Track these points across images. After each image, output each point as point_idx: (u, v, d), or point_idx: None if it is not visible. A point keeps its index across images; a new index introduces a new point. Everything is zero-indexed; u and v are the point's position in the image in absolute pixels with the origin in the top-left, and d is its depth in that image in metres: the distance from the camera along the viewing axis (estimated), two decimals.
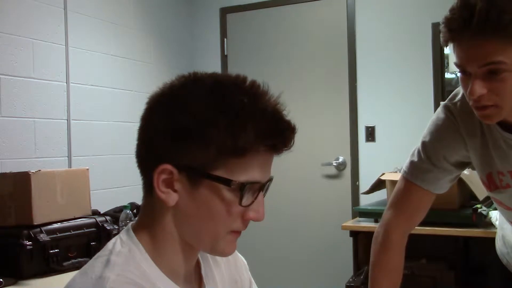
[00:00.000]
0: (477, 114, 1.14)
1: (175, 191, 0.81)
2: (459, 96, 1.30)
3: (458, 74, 1.15)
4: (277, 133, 0.80)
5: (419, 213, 1.41)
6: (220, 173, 0.79)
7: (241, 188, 0.79)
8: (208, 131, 0.77)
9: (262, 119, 0.78)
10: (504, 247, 1.54)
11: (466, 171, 2.31)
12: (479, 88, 1.07)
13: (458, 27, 1.05)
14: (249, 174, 0.80)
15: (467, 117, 1.26)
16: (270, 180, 0.85)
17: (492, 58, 1.04)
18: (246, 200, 0.81)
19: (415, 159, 1.37)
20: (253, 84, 0.82)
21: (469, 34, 1.04)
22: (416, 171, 1.36)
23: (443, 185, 1.38)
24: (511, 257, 1.51)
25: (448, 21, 1.07)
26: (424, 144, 1.36)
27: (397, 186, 1.42)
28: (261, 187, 0.83)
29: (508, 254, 1.51)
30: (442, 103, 1.35)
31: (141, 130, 0.84)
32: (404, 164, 1.41)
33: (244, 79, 0.82)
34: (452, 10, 1.07)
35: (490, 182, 1.32)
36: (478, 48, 1.04)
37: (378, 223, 1.46)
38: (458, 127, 1.30)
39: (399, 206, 1.40)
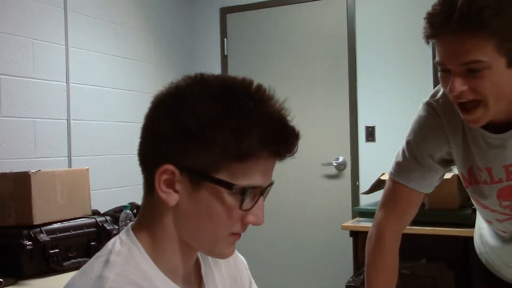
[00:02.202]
0: (463, 118, 1.15)
1: (176, 191, 0.81)
2: (441, 93, 1.30)
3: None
4: (281, 140, 0.80)
5: (409, 212, 1.42)
6: (222, 176, 0.79)
7: (242, 192, 0.79)
8: (212, 133, 0.77)
9: (267, 124, 0.78)
10: (482, 246, 1.55)
11: None
12: (459, 85, 1.08)
13: (440, 22, 1.05)
14: (251, 178, 0.80)
15: (449, 114, 1.27)
16: (271, 184, 0.85)
17: (472, 56, 1.04)
18: (246, 204, 0.81)
19: (400, 159, 1.38)
20: (259, 88, 0.82)
21: (449, 29, 1.04)
22: (402, 172, 1.37)
23: (429, 184, 1.38)
24: (489, 256, 1.52)
25: (430, 16, 1.08)
26: (408, 143, 1.36)
27: (386, 186, 1.44)
28: (262, 191, 0.83)
29: (487, 253, 1.53)
30: (423, 100, 1.36)
31: (145, 129, 0.84)
32: (390, 165, 1.42)
33: (251, 82, 0.82)
34: (434, 5, 1.08)
35: (471, 176, 1.33)
36: (458, 45, 1.05)
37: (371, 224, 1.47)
38: (441, 124, 1.30)
39: (389, 207, 1.42)
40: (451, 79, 1.09)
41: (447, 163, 1.38)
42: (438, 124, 1.31)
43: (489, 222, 1.44)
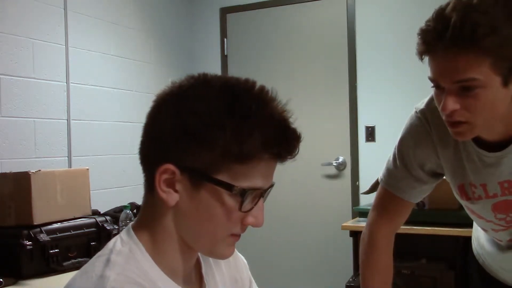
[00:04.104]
0: (450, 131, 1.13)
1: (176, 191, 0.80)
2: None
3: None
4: (283, 142, 0.80)
5: (401, 216, 1.42)
6: (222, 177, 0.78)
7: (242, 194, 0.79)
8: (214, 134, 0.77)
9: (268, 126, 0.78)
10: (479, 247, 1.55)
11: None
12: (452, 104, 1.05)
13: (432, 39, 1.03)
14: (252, 180, 0.80)
15: (441, 126, 1.23)
16: (271, 186, 0.85)
17: (465, 74, 1.01)
18: (246, 206, 0.81)
19: (391, 166, 1.38)
20: (262, 89, 0.81)
21: (442, 47, 1.01)
22: (391, 179, 1.37)
23: (418, 195, 1.38)
24: (486, 258, 1.52)
25: (423, 32, 1.05)
26: (400, 151, 1.35)
27: (378, 190, 1.44)
28: (262, 193, 0.83)
29: (483, 255, 1.53)
30: (418, 107, 1.33)
31: (147, 128, 0.84)
32: (382, 170, 1.41)
33: (253, 84, 0.82)
34: (427, 21, 1.05)
35: (462, 193, 1.32)
36: (451, 62, 1.02)
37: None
38: (431, 135, 1.28)
39: (380, 209, 1.42)
40: (444, 97, 1.06)
41: (437, 176, 1.36)
42: (428, 134, 1.29)
43: (485, 230, 1.44)
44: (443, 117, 1.11)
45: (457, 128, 1.10)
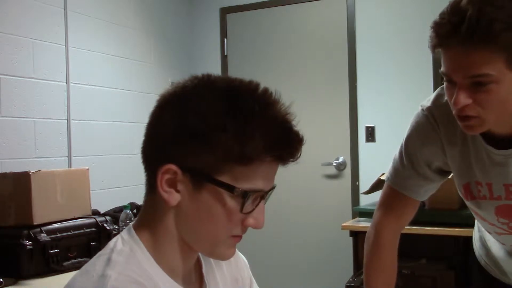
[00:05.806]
0: (460, 125, 1.12)
1: (177, 191, 0.80)
2: (445, 100, 1.24)
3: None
4: (285, 144, 0.79)
5: (407, 215, 1.42)
6: (224, 178, 0.78)
7: (244, 196, 0.79)
8: (216, 135, 0.77)
9: (271, 128, 0.78)
10: (482, 248, 1.54)
11: None
12: (464, 99, 1.04)
13: (447, 33, 1.01)
14: (253, 182, 0.80)
15: (449, 124, 1.23)
16: (273, 188, 0.85)
17: (479, 70, 1.00)
18: (247, 208, 0.81)
19: (398, 165, 1.37)
20: (265, 92, 0.81)
21: (457, 40, 1.00)
22: (398, 178, 1.37)
23: (425, 193, 1.38)
24: (489, 259, 1.51)
25: (437, 25, 1.03)
26: (406, 149, 1.34)
27: (383, 189, 1.43)
28: (263, 195, 0.83)
29: (486, 256, 1.52)
30: (424, 105, 1.31)
31: (150, 127, 0.84)
32: (388, 169, 1.41)
33: (257, 86, 0.82)
34: (442, 14, 1.03)
35: (467, 192, 1.31)
36: (465, 57, 1.01)
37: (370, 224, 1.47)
38: (438, 132, 1.28)
39: (387, 208, 1.41)
40: (456, 92, 1.05)
41: (444, 174, 1.36)
42: (435, 132, 1.28)
43: (489, 232, 1.43)
44: (454, 111, 1.10)
45: (467, 121, 1.09)
